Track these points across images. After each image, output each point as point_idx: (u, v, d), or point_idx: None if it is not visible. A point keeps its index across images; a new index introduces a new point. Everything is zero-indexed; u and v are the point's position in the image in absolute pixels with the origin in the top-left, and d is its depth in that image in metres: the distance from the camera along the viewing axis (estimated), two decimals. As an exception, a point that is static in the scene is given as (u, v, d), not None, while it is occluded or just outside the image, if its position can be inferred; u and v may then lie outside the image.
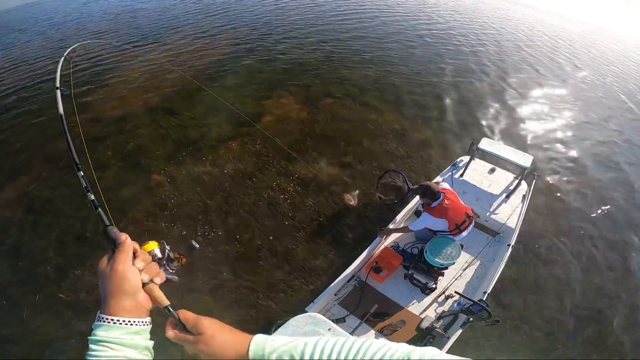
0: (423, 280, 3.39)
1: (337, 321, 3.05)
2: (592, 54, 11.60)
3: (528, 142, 6.74)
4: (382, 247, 3.76)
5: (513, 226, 3.85)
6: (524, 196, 4.16)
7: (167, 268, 0.94)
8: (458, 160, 4.64)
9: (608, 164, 6.49)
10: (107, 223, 0.85)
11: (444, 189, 3.34)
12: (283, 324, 2.16)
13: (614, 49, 12.54)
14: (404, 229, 3.58)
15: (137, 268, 0.72)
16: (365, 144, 5.95)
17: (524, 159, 4.08)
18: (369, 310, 3.21)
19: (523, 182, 4.21)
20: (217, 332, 0.70)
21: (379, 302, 3.31)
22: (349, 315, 3.19)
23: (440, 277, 3.46)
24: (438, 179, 4.39)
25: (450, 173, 4.43)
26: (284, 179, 5.17)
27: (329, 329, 2.12)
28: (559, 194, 5.53)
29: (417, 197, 4.01)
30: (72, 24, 13.83)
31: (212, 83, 7.69)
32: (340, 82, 7.68)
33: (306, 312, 2.74)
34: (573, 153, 6.53)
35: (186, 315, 0.71)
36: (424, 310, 3.32)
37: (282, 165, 5.40)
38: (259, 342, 0.69)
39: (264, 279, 3.94)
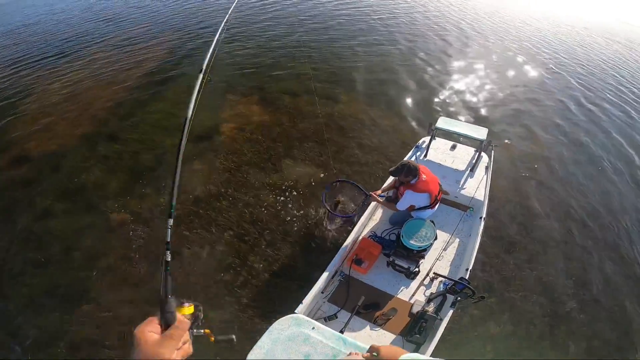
0: (405, 265, 3.39)
1: (328, 318, 3.05)
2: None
3: (481, 113, 7.22)
4: (360, 238, 3.72)
5: (482, 198, 3.95)
6: (486, 167, 4.30)
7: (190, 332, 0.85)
8: (420, 142, 4.70)
9: (544, 121, 7.20)
10: (170, 293, 0.80)
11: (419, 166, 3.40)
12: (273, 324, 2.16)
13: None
14: (390, 206, 3.58)
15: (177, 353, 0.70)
16: (336, 137, 5.78)
17: (480, 132, 4.23)
18: (358, 303, 3.19)
19: (483, 154, 4.34)
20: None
21: (366, 293, 3.30)
22: (340, 310, 3.16)
23: (421, 260, 3.49)
24: (405, 159, 4.40)
25: (414, 155, 4.48)
26: (259, 191, 4.85)
27: (313, 328, 2.14)
28: (515, 159, 5.94)
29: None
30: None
31: (153, 97, 6.91)
32: (295, 78, 7.34)
33: (295, 313, 2.72)
34: (519, 117, 7.11)
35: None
36: (413, 295, 3.33)
37: (254, 176, 5.05)
38: None
39: (253, 289, 3.77)
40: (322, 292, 3.28)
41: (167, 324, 0.72)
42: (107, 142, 5.58)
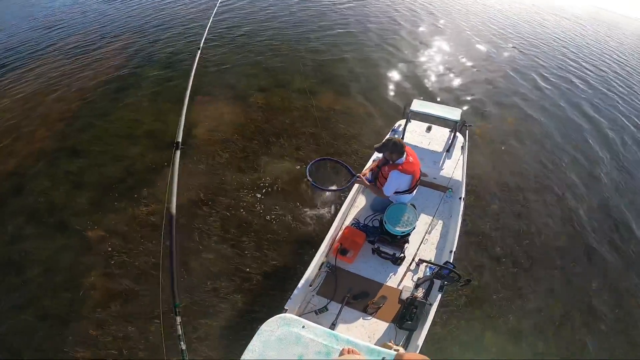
0: (390, 252, 3.36)
1: (319, 311, 3.00)
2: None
3: (453, 94, 7.50)
4: (343, 227, 3.66)
5: (460, 179, 4.00)
6: (462, 147, 4.38)
7: None
8: (396, 125, 4.74)
9: (511, 94, 7.61)
10: None
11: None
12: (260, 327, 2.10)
13: None
14: (377, 191, 3.42)
15: None
16: (313, 130, 5.73)
17: (454, 113, 4.29)
18: (347, 293, 3.17)
19: (458, 134, 4.39)
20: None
21: (354, 283, 3.28)
22: (330, 302, 3.11)
23: (406, 245, 3.45)
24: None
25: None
26: (240, 192, 4.72)
27: (303, 327, 2.10)
28: (490, 137, 6.19)
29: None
30: None
31: (112, 105, 6.51)
32: (265, 73, 7.18)
33: (285, 309, 2.72)
34: (491, 96, 7.42)
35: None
36: (401, 281, 3.32)
37: (233, 178, 4.91)
38: None
39: (245, 293, 3.70)
40: (310, 285, 3.23)
41: None
42: (69, 157, 5.20)
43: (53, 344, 3.28)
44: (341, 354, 2.01)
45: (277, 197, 4.69)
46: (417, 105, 4.44)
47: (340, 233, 3.59)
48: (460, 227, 3.57)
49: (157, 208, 4.47)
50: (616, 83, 10.16)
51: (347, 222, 3.76)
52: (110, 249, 4.01)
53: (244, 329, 3.37)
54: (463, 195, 3.83)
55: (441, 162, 4.20)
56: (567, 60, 10.78)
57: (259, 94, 6.58)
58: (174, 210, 1.59)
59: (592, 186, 5.69)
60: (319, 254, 3.26)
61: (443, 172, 4.10)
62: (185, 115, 5.98)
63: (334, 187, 4.44)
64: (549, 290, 4.12)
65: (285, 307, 2.78)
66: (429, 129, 4.63)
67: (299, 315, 2.85)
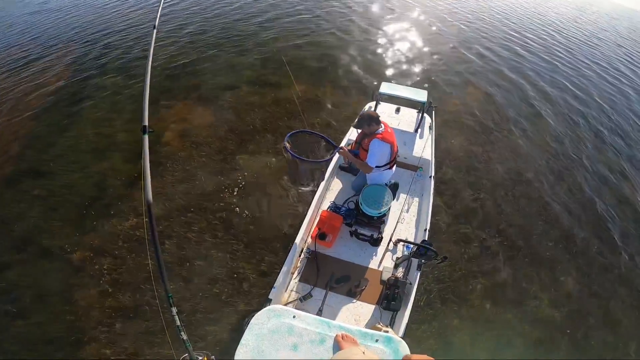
0: (368, 233, 3.42)
1: (304, 298, 3.05)
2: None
3: (417, 75, 7.84)
4: (320, 211, 3.69)
5: (429, 157, 4.16)
6: (430, 127, 4.54)
7: None
8: (366, 107, 4.89)
9: (476, 73, 8.07)
10: (195, 356, 1.00)
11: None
12: (250, 320, 2.10)
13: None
14: (361, 163, 3.34)
15: None
16: (287, 123, 5.79)
17: (421, 95, 4.46)
18: (329, 278, 3.21)
19: (425, 115, 4.54)
20: None
21: (336, 267, 3.30)
22: (313, 288, 3.14)
23: (383, 226, 3.53)
24: (352, 129, 4.52)
25: None
26: (222, 193, 4.73)
27: (294, 317, 2.10)
28: (457, 114, 6.58)
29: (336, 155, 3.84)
30: None
31: (69, 119, 6.14)
32: (232, 70, 7.04)
33: (270, 299, 2.72)
34: (455, 75, 7.84)
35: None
36: (380, 262, 3.37)
37: (212, 180, 4.88)
38: None
39: (242, 293, 3.78)
40: (292, 273, 3.24)
41: None
42: (34, 180, 4.90)
43: None
44: (336, 340, 2.02)
45: (261, 193, 4.74)
46: (386, 87, 4.56)
47: (317, 217, 3.58)
48: (433, 204, 3.70)
49: (139, 221, 4.38)
50: (558, 49, 11.04)
51: (324, 207, 3.79)
52: (97, 267, 3.91)
53: (226, 322, 3.47)
54: (432, 174, 3.99)
55: (410, 142, 4.33)
56: (511, 33, 11.49)
57: (226, 92, 6.47)
58: (150, 197, 1.59)
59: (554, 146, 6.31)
60: (298, 240, 3.26)
61: (413, 152, 4.25)
62: (151, 122, 5.85)
63: (315, 159, 4.41)
64: (523, 259, 4.49)
65: (270, 297, 2.78)
66: (397, 110, 4.78)
67: (284, 304, 2.96)
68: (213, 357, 1.03)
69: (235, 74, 6.97)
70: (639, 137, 7.26)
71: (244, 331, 2.05)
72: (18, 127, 6.12)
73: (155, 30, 2.19)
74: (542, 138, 6.57)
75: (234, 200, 4.65)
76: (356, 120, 3.25)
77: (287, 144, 3.19)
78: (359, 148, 3.39)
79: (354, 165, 3.49)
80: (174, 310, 1.31)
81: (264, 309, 2.13)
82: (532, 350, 3.71)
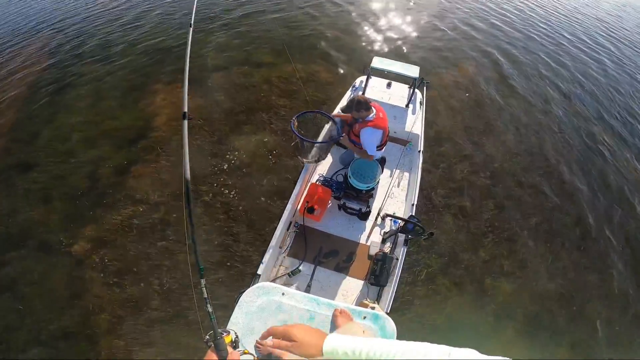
0: (356, 207, 3.41)
1: (292, 273, 3.05)
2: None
3: (409, 50, 7.66)
4: (309, 184, 3.64)
5: (418, 132, 4.15)
6: (420, 102, 4.52)
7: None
8: (357, 82, 4.81)
9: (464, 49, 7.91)
10: (219, 333, 1.03)
11: (370, 102, 3.17)
12: (239, 297, 2.10)
13: None
14: (362, 153, 3.34)
15: None
16: (281, 102, 5.64)
17: (412, 70, 4.38)
18: (317, 253, 3.20)
19: (417, 90, 4.51)
20: (303, 336, 0.94)
21: (324, 242, 3.30)
22: (302, 263, 3.15)
23: (371, 199, 3.53)
24: (343, 100, 4.46)
25: (352, 94, 4.53)
26: (220, 177, 4.64)
27: (283, 294, 2.09)
28: (447, 92, 6.47)
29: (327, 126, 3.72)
30: None
31: (56, 109, 5.89)
32: (218, 52, 6.76)
33: (258, 275, 2.74)
34: (446, 52, 7.65)
35: (276, 329, 1.03)
36: (368, 236, 3.38)
37: (209, 164, 4.78)
38: (329, 341, 0.91)
39: (245, 275, 3.78)
40: (281, 247, 3.23)
41: (223, 357, 0.95)
42: (24, 174, 4.73)
43: None
44: (334, 315, 2.05)
45: (259, 173, 4.68)
46: (377, 62, 4.46)
47: (305, 190, 3.54)
48: (421, 179, 3.71)
49: (137, 208, 4.30)
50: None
51: (313, 180, 3.74)
52: (97, 260, 3.86)
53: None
54: (422, 148, 3.99)
55: (400, 116, 4.31)
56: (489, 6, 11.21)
57: (215, 73, 6.23)
58: (188, 176, 1.67)
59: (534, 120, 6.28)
60: (286, 214, 3.23)
61: (402, 126, 4.23)
62: (140, 107, 5.67)
63: (320, 140, 4.34)
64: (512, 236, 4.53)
65: (258, 272, 2.78)
66: (389, 85, 4.72)
67: (273, 280, 3.00)
68: (236, 333, 1.09)
69: (222, 55, 6.70)
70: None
71: (233, 308, 2.05)
72: (1, 119, 5.86)
73: (191, 29, 2.26)
74: (536, 111, 6.54)
75: (232, 182, 4.57)
76: (345, 105, 3.17)
77: (294, 123, 3.15)
78: (350, 131, 3.34)
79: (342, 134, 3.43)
80: (203, 282, 1.36)
81: (253, 286, 2.13)
82: (530, 325, 3.80)
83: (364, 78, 4.66)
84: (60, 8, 9.73)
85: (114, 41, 7.64)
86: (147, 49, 7.18)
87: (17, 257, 3.93)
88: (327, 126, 3.66)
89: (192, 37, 2.34)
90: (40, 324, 3.45)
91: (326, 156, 3.51)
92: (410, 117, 4.32)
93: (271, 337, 1.03)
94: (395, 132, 4.28)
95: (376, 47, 7.62)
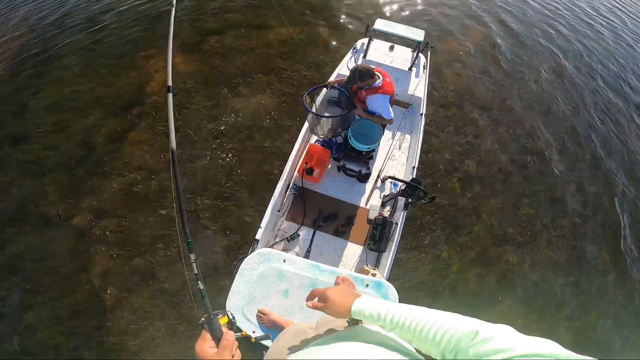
0: (356, 169, 3.33)
1: (291, 237, 3.00)
2: None
3: (414, 12, 7.24)
4: (308, 144, 3.54)
5: (421, 95, 4.06)
6: (424, 66, 4.37)
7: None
8: (358, 44, 4.60)
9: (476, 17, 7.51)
10: (213, 314, 0.98)
11: (373, 68, 3.03)
12: (239, 264, 2.07)
13: None
14: (382, 120, 3.17)
15: None
16: (281, 64, 5.35)
17: (417, 34, 4.19)
18: (316, 216, 3.13)
19: (420, 54, 4.36)
20: (335, 297, 0.97)
21: (323, 204, 3.22)
22: (300, 227, 3.09)
23: (371, 161, 3.45)
24: (343, 62, 4.33)
25: (352, 56, 4.40)
26: (221, 140, 4.46)
27: (284, 261, 2.07)
28: (450, 56, 6.18)
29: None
30: None
31: (41, 79, 5.57)
32: (214, 15, 6.34)
33: (257, 240, 2.69)
34: (455, 17, 7.29)
35: (317, 290, 1.04)
36: (368, 199, 3.33)
37: (207, 129, 4.57)
38: (357, 302, 0.93)
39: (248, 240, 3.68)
40: (279, 211, 3.15)
41: (217, 337, 0.89)
42: (15, 146, 4.51)
43: (98, 339, 3.20)
44: (336, 282, 2.02)
45: (259, 135, 4.51)
46: (381, 24, 4.28)
47: (304, 151, 3.42)
48: (423, 142, 3.65)
49: (135, 176, 4.13)
50: None
51: (312, 140, 3.63)
52: (98, 232, 3.73)
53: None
54: (424, 112, 3.91)
55: (403, 79, 4.21)
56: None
57: (210, 37, 5.87)
58: (174, 146, 1.64)
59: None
60: (284, 175, 3.15)
61: (404, 89, 4.13)
62: (132, 75, 5.38)
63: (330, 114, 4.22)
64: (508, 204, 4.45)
65: (257, 237, 2.71)
66: (391, 48, 4.55)
67: (272, 244, 2.96)
68: (233, 315, 1.00)
69: (218, 19, 6.29)
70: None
71: (234, 276, 1.99)
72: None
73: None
74: (548, 78, 6.32)
75: (233, 145, 4.39)
76: (347, 77, 3.00)
77: (307, 100, 3.09)
78: (354, 97, 3.17)
79: (342, 99, 3.29)
80: (193, 257, 1.25)
81: (254, 252, 2.08)
82: (531, 290, 3.77)
83: (365, 40, 4.47)
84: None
85: (100, 8, 7.19)
86: (135, 14, 6.75)
87: (18, 233, 3.79)
88: (324, 91, 3.46)
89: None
90: (49, 304, 3.37)
91: (342, 130, 3.34)
92: (413, 80, 4.22)
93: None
94: (397, 95, 4.12)
95: (381, 9, 7.20)
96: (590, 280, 4.01)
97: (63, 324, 3.25)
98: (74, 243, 3.71)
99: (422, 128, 3.73)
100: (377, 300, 0.91)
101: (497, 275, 3.84)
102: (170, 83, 1.90)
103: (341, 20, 6.61)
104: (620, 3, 10.11)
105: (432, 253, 3.80)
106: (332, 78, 4.02)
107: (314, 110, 3.16)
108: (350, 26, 6.49)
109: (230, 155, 4.30)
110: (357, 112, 3.22)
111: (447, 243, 3.91)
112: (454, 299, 3.57)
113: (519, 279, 3.86)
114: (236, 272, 2.03)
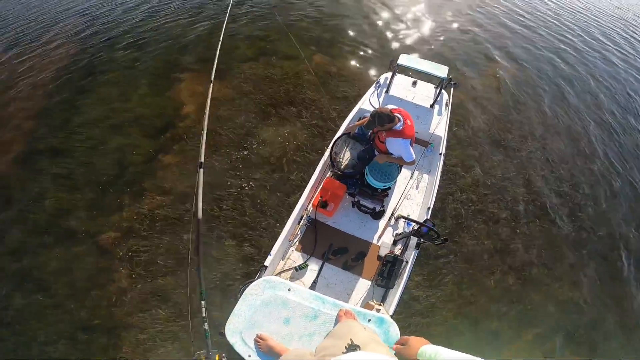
0: (370, 206, 3.33)
1: (299, 267, 3.00)
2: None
3: (437, 48, 7.37)
4: (325, 178, 3.55)
5: (441, 134, 3.99)
6: (446, 104, 4.33)
7: None
8: (381, 78, 4.64)
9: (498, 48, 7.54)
10: (210, 351, 1.26)
11: (394, 109, 3.02)
12: (244, 289, 2.11)
13: None
14: (401, 161, 3.12)
15: None
16: (310, 95, 5.48)
17: (441, 70, 4.19)
18: (326, 249, 3.14)
19: (443, 91, 4.33)
20: (411, 342, 1.17)
21: (334, 238, 3.23)
22: (310, 258, 3.10)
23: (386, 199, 3.44)
24: (365, 96, 4.35)
25: (375, 91, 4.40)
26: (250, 170, 4.51)
27: (289, 290, 2.10)
28: (475, 93, 6.19)
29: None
30: None
31: (84, 95, 5.88)
32: (246, 41, 6.63)
33: (265, 266, 2.71)
34: (480, 52, 7.33)
35: (405, 337, 1.23)
36: (379, 236, 3.30)
37: (236, 156, 4.66)
38: (424, 347, 1.11)
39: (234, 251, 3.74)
40: (290, 240, 3.18)
41: None
42: (51, 159, 4.72)
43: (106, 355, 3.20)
44: (339, 315, 2.03)
45: (288, 166, 4.54)
46: (405, 59, 4.33)
47: (320, 185, 3.46)
48: (440, 183, 3.59)
49: (164, 200, 4.20)
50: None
51: (328, 173, 3.64)
52: (121, 252, 3.78)
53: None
54: (443, 151, 3.85)
55: (424, 116, 4.15)
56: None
57: (243, 64, 6.10)
58: (200, 215, 1.87)
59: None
60: (298, 207, 3.18)
61: (425, 127, 4.07)
62: (168, 95, 5.59)
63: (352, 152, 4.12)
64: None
65: (266, 264, 2.74)
66: (414, 83, 4.55)
67: (280, 272, 2.98)
68: (224, 356, 1.25)
69: (249, 45, 6.56)
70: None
71: (237, 300, 2.03)
72: (30, 104, 5.90)
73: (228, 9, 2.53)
74: (568, 119, 6.19)
75: (258, 175, 4.43)
76: (366, 122, 3.05)
77: (330, 152, 3.37)
78: (375, 138, 3.23)
79: (360, 133, 3.40)
80: (203, 303, 1.48)
81: (260, 279, 2.12)
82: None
83: (389, 75, 4.51)
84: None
85: (144, 27, 7.62)
86: (176, 36, 7.11)
87: (39, 245, 3.89)
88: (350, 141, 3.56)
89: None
90: (63, 316, 3.40)
91: (360, 168, 3.39)
92: (434, 118, 4.16)
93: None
94: (417, 133, 4.11)
95: (404, 43, 7.34)
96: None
97: (74, 337, 3.27)
98: (96, 259, 3.76)
99: (440, 168, 3.68)
100: (442, 348, 1.04)
101: (517, 312, 3.72)
102: (202, 159, 2.04)
103: (367, 54, 6.77)
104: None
105: (452, 290, 3.71)
106: (353, 112, 4.10)
107: (337, 165, 3.34)
108: (372, 59, 6.66)
109: (256, 184, 4.35)
110: (376, 157, 3.22)
111: (465, 281, 3.81)
112: (473, 334, 3.46)
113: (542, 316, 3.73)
114: (240, 296, 2.06)
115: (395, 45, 7.22)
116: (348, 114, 4.12)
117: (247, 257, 3.72)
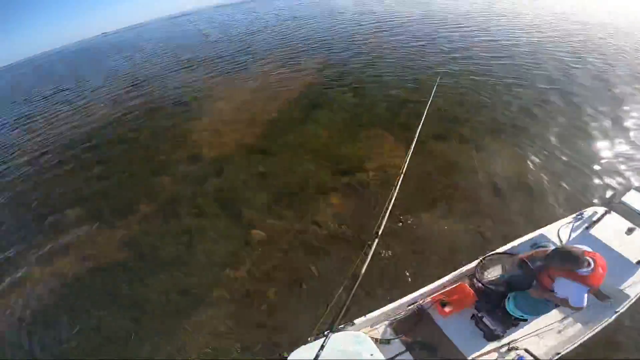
0: (492, 327, 2.97)
1: (381, 341, 2.90)
2: None
3: None
4: (460, 282, 3.32)
5: (631, 295, 3.21)
6: None
7: None
8: (587, 210, 3.81)
9: None
10: None
11: (588, 252, 2.53)
12: (329, 334, 2.03)
13: None
14: (564, 302, 2.62)
15: None
16: (486, 199, 4.85)
17: None
18: (417, 339, 3.00)
19: None
20: None
21: (432, 336, 3.04)
22: (396, 339, 2.99)
23: (513, 327, 3.06)
24: (557, 223, 3.74)
25: (572, 223, 3.71)
26: (426, 229, 4.42)
27: (372, 355, 2.10)
28: None
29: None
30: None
31: (307, 119, 7.41)
32: (441, 121, 6.64)
33: (354, 324, 2.74)
34: None
35: None
36: (479, 356, 2.93)
37: (413, 215, 4.62)
38: None
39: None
40: (390, 315, 3.13)
41: None
42: (260, 157, 6.19)
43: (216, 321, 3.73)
44: None
45: (455, 261, 3.99)
46: (635, 198, 3.64)
47: (451, 285, 3.28)
48: (587, 340, 2.95)
49: (318, 231, 4.56)
50: None
51: (466, 280, 3.36)
52: (260, 255, 4.36)
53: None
54: (621, 310, 3.15)
55: (622, 272, 3.31)
56: None
57: (439, 143, 5.96)
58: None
59: None
60: (418, 292, 3.15)
61: (616, 282, 3.25)
62: (362, 146, 6.17)
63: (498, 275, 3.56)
64: None
65: (355, 321, 2.78)
66: (630, 230, 3.56)
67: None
68: None
69: (451, 127, 6.49)
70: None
71: (320, 338, 2.04)
72: (273, 110, 8.00)
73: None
74: None
75: (394, 244, 4.21)
76: (546, 254, 2.68)
77: (479, 262, 3.26)
78: (544, 272, 2.77)
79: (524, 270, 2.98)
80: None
81: (351, 332, 2.25)
82: None
83: (600, 210, 3.75)
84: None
85: (367, 79, 8.90)
86: (392, 94, 7.94)
87: (214, 213, 5.12)
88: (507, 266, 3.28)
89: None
90: (188, 271, 4.27)
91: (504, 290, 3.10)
92: (634, 277, 3.31)
93: None
94: (604, 284, 3.10)
95: (633, 177, 5.15)
96: None
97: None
98: (239, 246, 4.49)
99: (603, 325, 3.06)
100: None
101: None
102: (380, 230, 2.05)
103: (574, 172, 5.17)
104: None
105: None
106: (531, 235, 3.63)
107: (480, 277, 3.15)
108: (582, 182, 5.02)
109: (399, 256, 4.17)
110: (532, 288, 2.83)
111: None
112: None
113: None
114: (327, 340, 2.01)
115: (619, 178, 5.10)
116: (523, 235, 3.63)
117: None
